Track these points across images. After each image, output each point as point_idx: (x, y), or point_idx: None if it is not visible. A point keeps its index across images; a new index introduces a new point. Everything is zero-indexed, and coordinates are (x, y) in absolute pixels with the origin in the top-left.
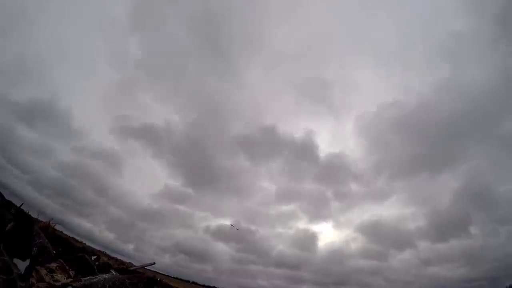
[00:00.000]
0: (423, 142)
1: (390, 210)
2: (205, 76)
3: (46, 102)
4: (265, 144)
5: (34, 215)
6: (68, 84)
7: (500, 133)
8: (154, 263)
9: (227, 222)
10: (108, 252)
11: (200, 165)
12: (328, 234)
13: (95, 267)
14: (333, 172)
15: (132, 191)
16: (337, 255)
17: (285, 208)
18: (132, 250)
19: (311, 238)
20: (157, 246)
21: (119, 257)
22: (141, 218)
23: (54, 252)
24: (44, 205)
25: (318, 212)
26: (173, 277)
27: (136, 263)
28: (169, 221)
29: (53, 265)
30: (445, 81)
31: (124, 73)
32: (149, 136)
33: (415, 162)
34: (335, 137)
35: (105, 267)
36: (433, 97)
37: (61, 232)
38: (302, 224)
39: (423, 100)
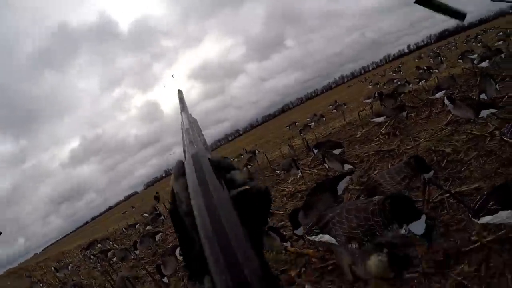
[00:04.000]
0: None
1: (210, 49)
2: None
3: None
4: (64, 45)
5: None
6: None
7: None
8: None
9: (74, 143)
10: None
11: (15, 111)
12: (166, 96)
13: None
14: (142, 38)
15: None
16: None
17: (115, 94)
18: (24, 243)
19: (154, 107)
20: (39, 218)
21: None
22: (5, 207)
23: None
24: None
25: (145, 81)
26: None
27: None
28: (28, 186)
29: None
30: None
31: None
32: None
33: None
34: (131, 5)
35: None
36: None
37: None
38: (138, 100)
39: None
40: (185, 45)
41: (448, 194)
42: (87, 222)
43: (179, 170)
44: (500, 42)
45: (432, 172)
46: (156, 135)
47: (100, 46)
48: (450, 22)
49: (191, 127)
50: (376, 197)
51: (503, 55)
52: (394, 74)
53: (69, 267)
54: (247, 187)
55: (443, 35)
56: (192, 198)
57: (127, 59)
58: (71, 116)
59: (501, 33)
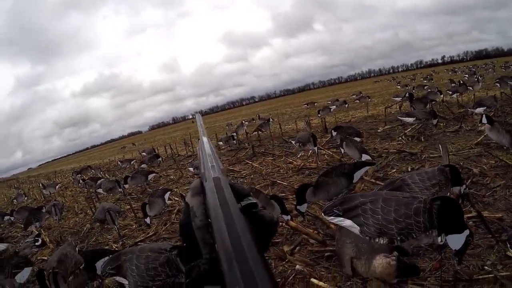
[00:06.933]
0: None
1: (237, 16)
2: None
3: None
4: None
5: None
6: None
7: None
8: None
9: (89, 78)
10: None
11: (39, 39)
12: (188, 52)
13: None
14: None
15: None
16: (203, 67)
17: (137, 41)
18: (21, 157)
19: (173, 60)
20: (41, 137)
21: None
22: (11, 121)
23: None
24: None
25: (170, 33)
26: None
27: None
28: (38, 106)
29: None
30: None
31: None
32: None
33: None
34: None
35: None
36: None
37: None
38: (159, 50)
39: None
40: (213, 8)
41: (472, 215)
42: (86, 149)
43: (197, 188)
44: None
45: (465, 186)
46: (171, 85)
47: None
48: (490, 43)
49: (212, 153)
50: (422, 195)
51: None
52: (424, 81)
53: (57, 187)
54: (262, 214)
55: (480, 55)
56: (212, 216)
57: (152, 12)
58: (90, 54)
59: None
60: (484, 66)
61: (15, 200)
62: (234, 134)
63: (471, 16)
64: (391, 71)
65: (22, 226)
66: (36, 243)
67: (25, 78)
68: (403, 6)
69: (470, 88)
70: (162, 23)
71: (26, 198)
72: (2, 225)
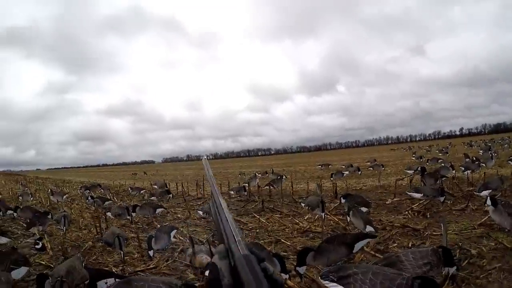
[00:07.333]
0: (286, 13)
1: (265, 70)
2: None
3: None
4: (134, 20)
5: None
6: None
7: (361, 17)
8: None
9: (115, 99)
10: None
11: (77, 52)
12: (215, 96)
13: None
14: (205, 41)
15: (12, 97)
16: (226, 112)
17: (167, 72)
18: (34, 156)
19: (197, 99)
20: (57, 143)
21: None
22: (33, 120)
23: None
24: None
25: (199, 73)
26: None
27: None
28: (61, 113)
29: None
30: None
31: None
32: (16, 39)
33: (281, 29)
34: (204, 11)
35: None
36: None
37: None
38: (186, 86)
39: None
40: (244, 60)
41: None
42: (98, 165)
43: (223, 253)
44: None
45: (455, 268)
46: (191, 123)
47: (166, 33)
48: (510, 116)
49: (231, 223)
50: (413, 273)
51: None
52: (440, 154)
53: (64, 197)
54: (275, 278)
55: (498, 128)
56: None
57: (187, 50)
58: (121, 77)
59: None
60: (500, 140)
61: (20, 197)
62: (246, 185)
63: (491, 89)
64: (408, 139)
65: (25, 225)
66: (36, 246)
67: (56, 83)
68: (426, 75)
69: (483, 164)
70: (194, 62)
71: (32, 198)
72: (4, 218)
